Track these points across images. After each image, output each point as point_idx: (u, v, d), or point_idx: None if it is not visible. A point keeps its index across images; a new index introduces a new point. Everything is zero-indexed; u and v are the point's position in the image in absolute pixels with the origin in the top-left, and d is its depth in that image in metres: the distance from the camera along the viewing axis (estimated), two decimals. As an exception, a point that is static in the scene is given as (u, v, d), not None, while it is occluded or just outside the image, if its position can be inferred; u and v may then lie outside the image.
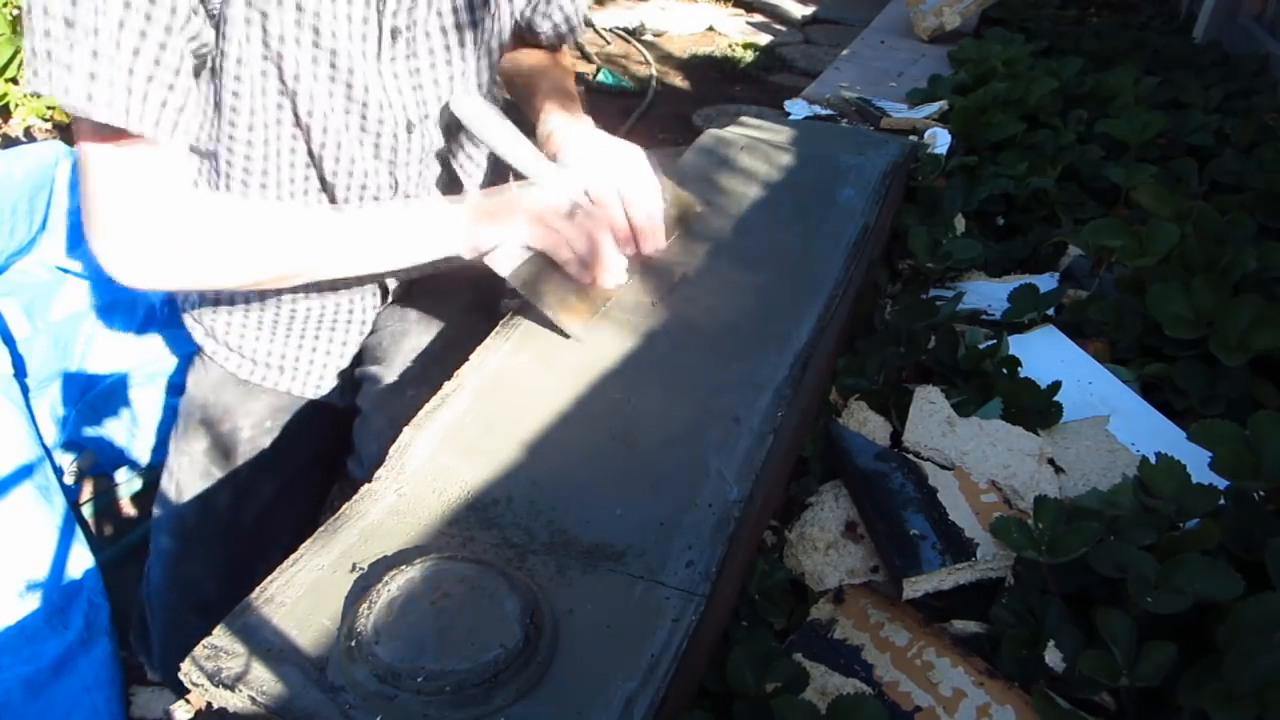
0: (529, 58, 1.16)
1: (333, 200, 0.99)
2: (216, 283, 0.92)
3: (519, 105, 1.12)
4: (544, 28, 1.12)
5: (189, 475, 1.12)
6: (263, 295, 1.08)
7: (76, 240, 1.77)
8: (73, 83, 0.72)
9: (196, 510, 1.12)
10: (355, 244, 0.90)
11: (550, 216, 0.91)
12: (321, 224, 0.90)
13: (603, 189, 0.94)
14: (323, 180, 0.97)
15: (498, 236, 0.90)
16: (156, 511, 1.14)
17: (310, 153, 0.94)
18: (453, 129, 1.05)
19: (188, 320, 1.14)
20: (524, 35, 1.13)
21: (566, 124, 1.02)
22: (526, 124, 1.07)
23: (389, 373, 1.03)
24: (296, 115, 0.91)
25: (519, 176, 0.99)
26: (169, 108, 0.77)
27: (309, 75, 0.88)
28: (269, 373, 1.12)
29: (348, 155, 0.95)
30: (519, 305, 0.97)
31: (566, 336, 0.91)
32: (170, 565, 1.12)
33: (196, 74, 0.82)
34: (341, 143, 0.94)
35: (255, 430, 1.13)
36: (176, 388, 1.68)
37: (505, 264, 0.91)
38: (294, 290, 1.07)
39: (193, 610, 1.12)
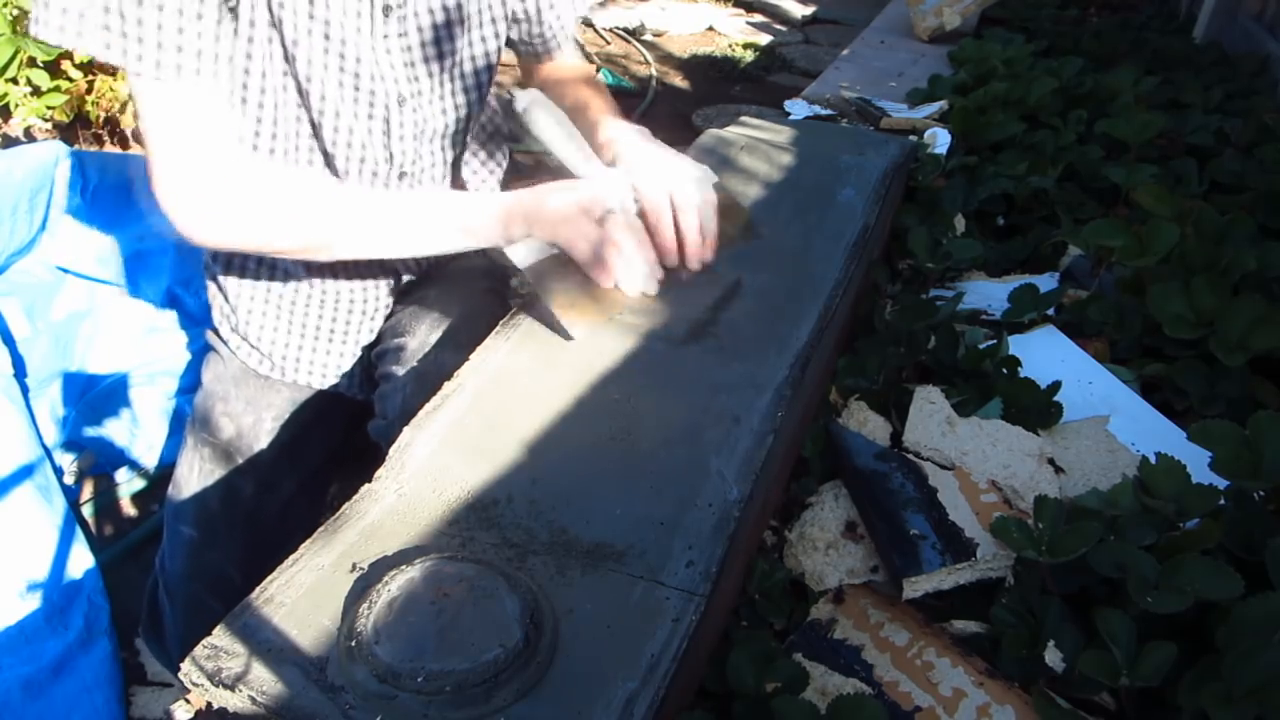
0: (566, 75, 1.18)
1: (334, 172, 1.01)
2: (262, 241, 0.94)
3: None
4: (549, 19, 1.12)
5: (211, 465, 1.13)
6: (285, 278, 1.10)
7: (76, 240, 1.77)
8: (112, 40, 0.80)
9: (220, 499, 1.13)
10: (391, 222, 0.94)
11: (577, 216, 0.91)
12: (364, 199, 0.95)
13: (654, 194, 0.95)
14: (324, 152, 0.99)
15: (526, 231, 0.92)
16: (173, 502, 1.15)
17: (312, 121, 0.97)
18: (459, 113, 1.07)
19: (215, 317, 1.17)
20: (527, 37, 1.14)
21: (626, 131, 1.04)
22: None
23: (412, 340, 1.05)
24: (298, 81, 0.93)
25: (567, 175, 0.99)
26: (220, 60, 0.84)
27: (306, 43, 0.91)
28: (286, 366, 1.14)
29: (345, 126, 0.98)
30: (522, 303, 0.97)
31: (568, 338, 0.91)
32: (193, 554, 1.13)
33: (234, 18, 0.87)
34: (340, 112, 0.96)
35: (277, 422, 1.15)
36: (186, 387, 1.68)
37: (523, 257, 0.92)
38: (310, 274, 1.10)
39: (216, 597, 1.13)
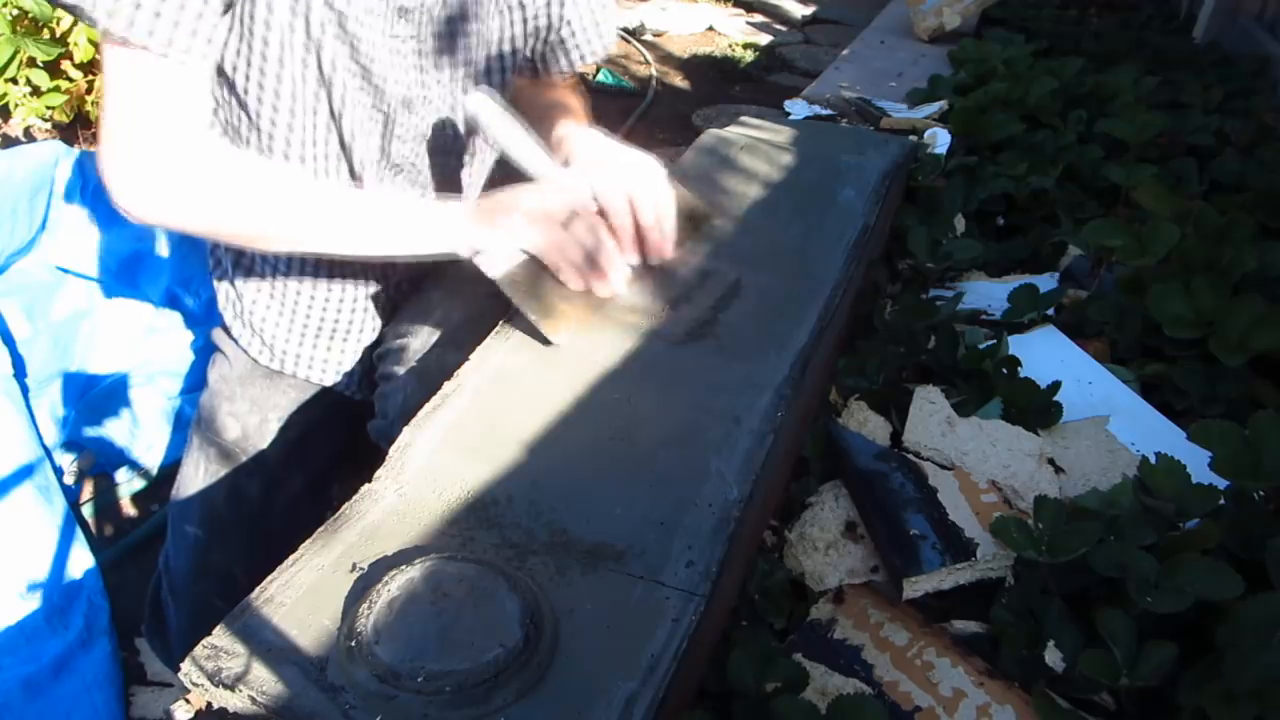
0: (545, 93, 1.17)
1: (350, 163, 1.01)
2: (207, 225, 0.92)
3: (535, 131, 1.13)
4: (552, 40, 1.12)
5: (217, 465, 1.13)
6: (288, 274, 1.11)
7: (76, 240, 1.77)
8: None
9: (226, 499, 1.13)
10: (351, 221, 0.92)
11: (546, 220, 0.90)
12: (322, 194, 0.93)
13: (611, 192, 0.93)
14: (342, 142, 0.99)
15: (494, 237, 0.90)
16: (178, 502, 1.14)
17: (331, 110, 0.96)
18: (457, 125, 1.07)
19: (221, 303, 1.17)
20: (543, 58, 1.14)
21: (580, 131, 1.03)
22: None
23: (415, 340, 1.05)
24: (321, 69, 0.92)
25: (525, 178, 0.99)
26: (198, 36, 0.82)
27: (330, 33, 0.90)
28: (288, 359, 1.15)
29: (355, 118, 0.97)
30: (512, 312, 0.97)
31: (548, 343, 0.90)
32: (198, 554, 1.13)
33: (226, 10, 0.86)
34: (354, 104, 0.96)
35: (281, 422, 1.15)
36: (187, 387, 1.68)
37: (495, 266, 0.90)
38: (310, 272, 1.10)
39: (222, 597, 1.13)
